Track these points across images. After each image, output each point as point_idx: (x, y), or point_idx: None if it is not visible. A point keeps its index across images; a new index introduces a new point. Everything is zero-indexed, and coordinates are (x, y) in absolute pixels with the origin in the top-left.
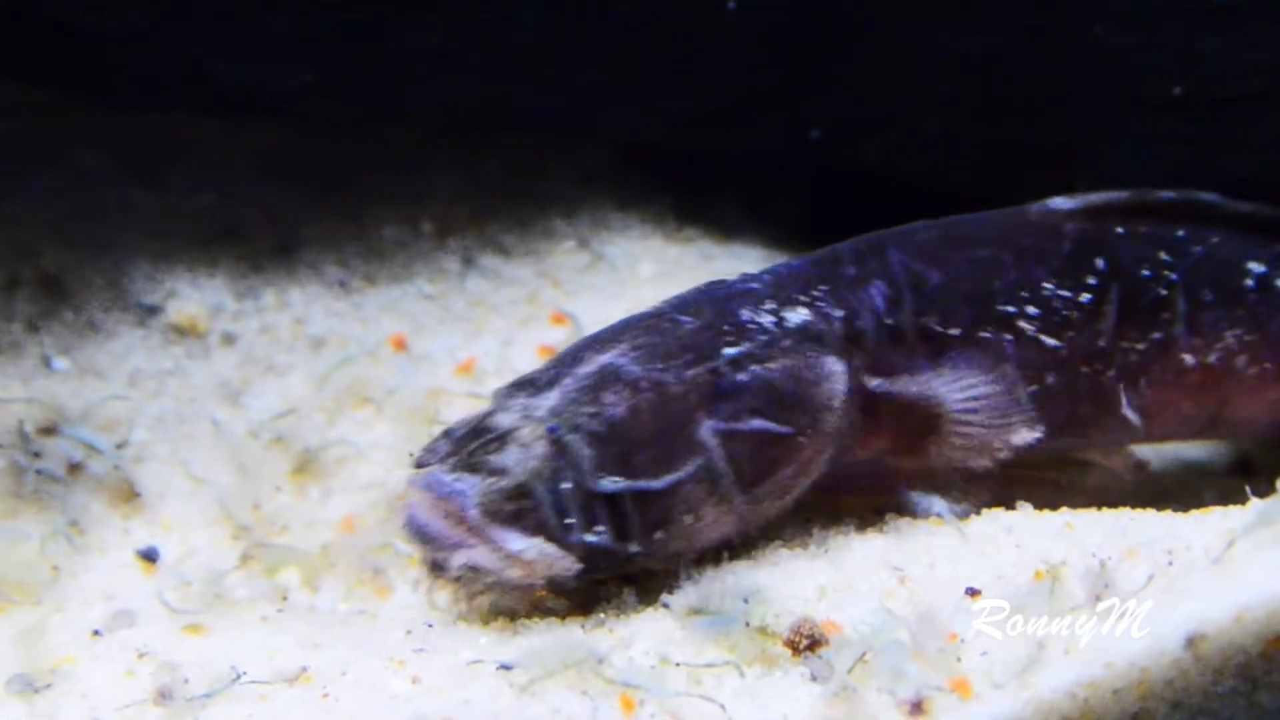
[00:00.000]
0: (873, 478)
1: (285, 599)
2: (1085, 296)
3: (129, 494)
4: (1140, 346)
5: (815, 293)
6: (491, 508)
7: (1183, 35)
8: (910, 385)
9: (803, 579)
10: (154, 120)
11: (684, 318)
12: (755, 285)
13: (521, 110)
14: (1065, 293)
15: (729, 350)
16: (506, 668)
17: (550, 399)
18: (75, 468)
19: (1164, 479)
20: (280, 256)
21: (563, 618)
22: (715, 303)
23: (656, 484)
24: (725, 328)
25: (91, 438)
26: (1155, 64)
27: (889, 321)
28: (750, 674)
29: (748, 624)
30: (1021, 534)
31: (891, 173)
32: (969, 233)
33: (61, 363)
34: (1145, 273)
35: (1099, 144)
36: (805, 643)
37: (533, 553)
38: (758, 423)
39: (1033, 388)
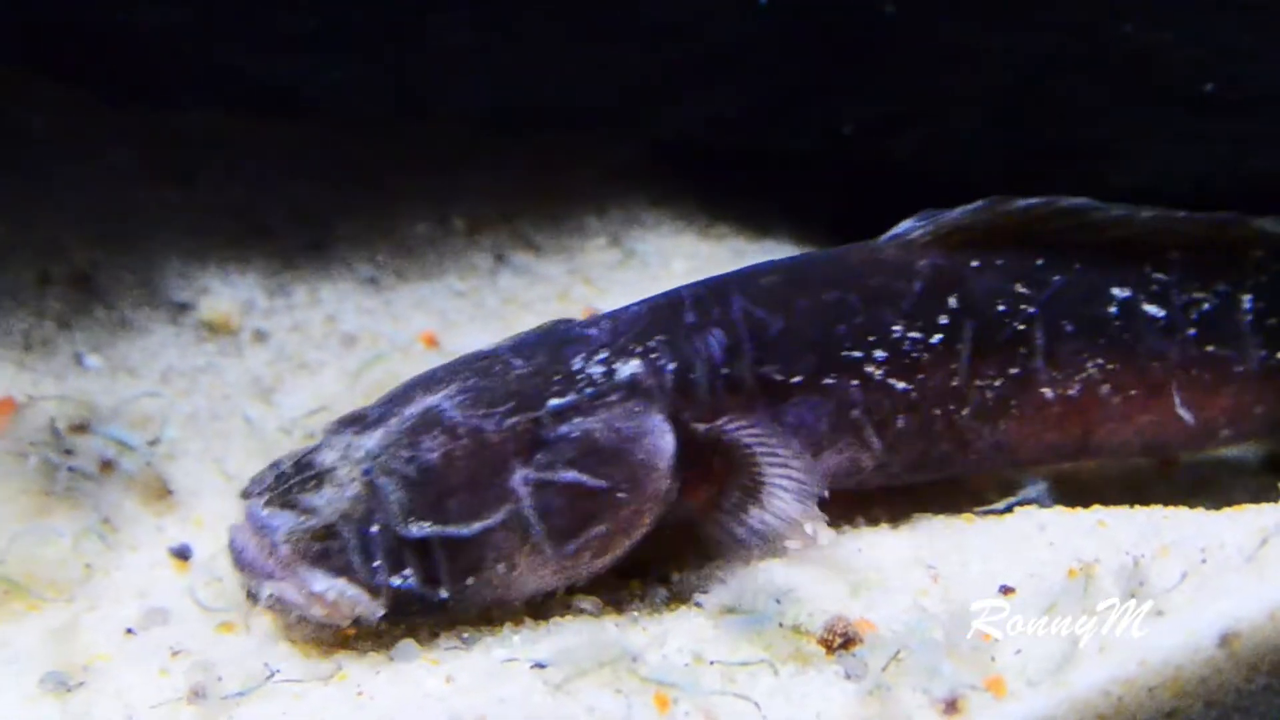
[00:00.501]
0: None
1: None
2: (936, 337)
3: (161, 491)
4: (997, 383)
5: (650, 343)
6: (300, 546)
7: (1213, 32)
8: (731, 427)
9: (835, 578)
10: (186, 118)
11: (516, 360)
12: (593, 331)
13: (553, 107)
14: (915, 334)
15: (554, 401)
16: (540, 666)
17: (372, 439)
18: (107, 465)
19: (1195, 476)
20: (312, 253)
21: (597, 615)
22: (550, 348)
23: (465, 531)
24: (554, 376)
25: (124, 435)
26: (1186, 61)
27: (725, 371)
28: (784, 672)
29: (781, 623)
30: (1054, 531)
31: (924, 170)
32: (817, 275)
33: (93, 360)
34: (1000, 308)
35: (1130, 141)
36: (839, 641)
37: (333, 594)
38: (571, 475)
39: (881, 432)
